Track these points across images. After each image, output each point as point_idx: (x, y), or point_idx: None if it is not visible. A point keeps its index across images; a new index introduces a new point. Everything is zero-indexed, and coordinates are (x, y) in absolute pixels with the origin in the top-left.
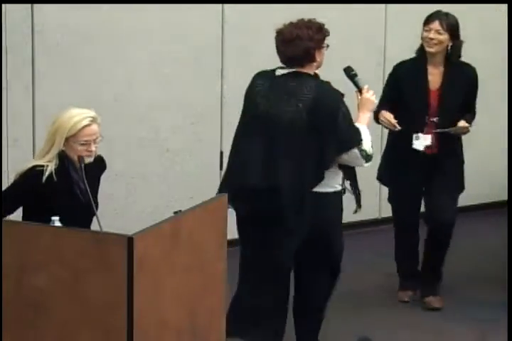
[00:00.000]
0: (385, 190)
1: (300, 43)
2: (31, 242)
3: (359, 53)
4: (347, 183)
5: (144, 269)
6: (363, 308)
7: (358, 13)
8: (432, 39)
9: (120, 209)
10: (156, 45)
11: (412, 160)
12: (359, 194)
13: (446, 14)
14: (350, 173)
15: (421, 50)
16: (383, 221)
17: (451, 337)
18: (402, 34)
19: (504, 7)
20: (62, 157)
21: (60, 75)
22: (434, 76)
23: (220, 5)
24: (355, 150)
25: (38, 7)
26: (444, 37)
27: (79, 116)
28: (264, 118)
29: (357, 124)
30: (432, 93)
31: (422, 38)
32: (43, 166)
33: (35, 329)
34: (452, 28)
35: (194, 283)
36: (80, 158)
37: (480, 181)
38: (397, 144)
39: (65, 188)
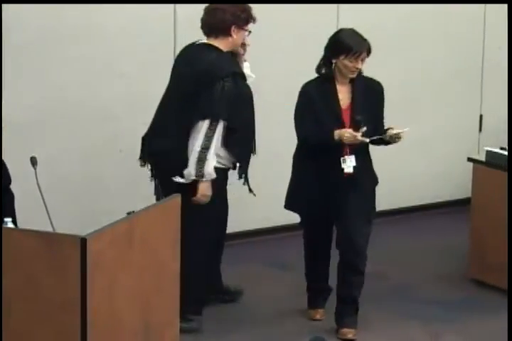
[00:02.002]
0: None
1: (219, 14)
2: None
3: (313, 54)
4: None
5: (98, 269)
6: None
7: (310, 14)
8: (358, 69)
9: (73, 209)
10: (111, 45)
11: (329, 184)
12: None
13: (363, 38)
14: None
15: (327, 69)
16: None
17: (405, 336)
18: None
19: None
20: None
21: (20, 76)
22: (343, 94)
23: (172, 5)
24: (205, 122)
25: None
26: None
27: None
28: (169, 84)
29: None
30: (343, 111)
31: (345, 67)
32: None
33: None
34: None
35: (148, 282)
36: None
37: (440, 180)
38: (315, 169)
39: None
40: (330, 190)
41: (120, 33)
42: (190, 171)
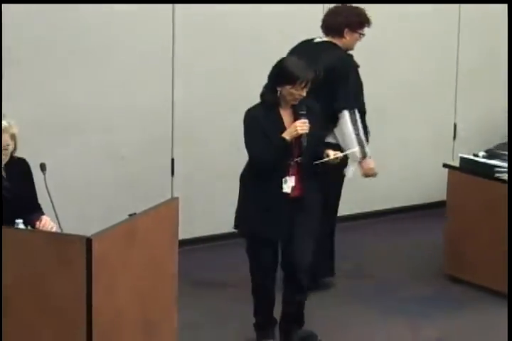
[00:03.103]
0: None
1: (335, 16)
2: None
3: None
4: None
5: (102, 267)
6: None
7: (296, 22)
8: (302, 96)
9: (80, 211)
10: (111, 58)
11: (280, 206)
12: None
13: (308, 66)
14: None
15: (272, 96)
16: None
17: (385, 330)
18: None
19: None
20: None
21: (23, 88)
22: (286, 117)
23: (171, 19)
24: (346, 112)
25: None
26: None
27: None
28: None
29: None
30: None
31: (291, 94)
32: None
33: (2, 323)
34: None
35: (148, 279)
36: None
37: (418, 184)
38: (265, 190)
39: None
40: (280, 211)
41: (120, 46)
42: (356, 154)
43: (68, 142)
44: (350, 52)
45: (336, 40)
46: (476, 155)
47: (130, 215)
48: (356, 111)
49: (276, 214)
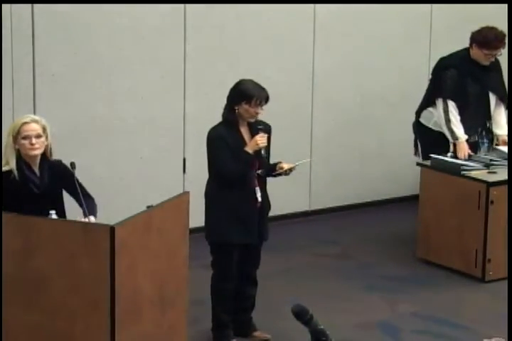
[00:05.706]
0: (316, 183)
1: (476, 32)
2: (33, 231)
3: (291, 77)
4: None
5: (124, 251)
6: (295, 282)
7: (288, 43)
8: (258, 113)
9: (105, 203)
10: (130, 75)
11: (254, 214)
12: None
13: (263, 87)
14: None
15: (231, 115)
16: (312, 213)
17: (367, 304)
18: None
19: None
20: (19, 159)
21: (56, 99)
22: (245, 133)
23: (183, 41)
24: (440, 100)
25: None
26: None
27: (20, 117)
28: None
29: None
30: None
31: (247, 112)
32: (8, 171)
33: (37, 300)
34: None
35: (163, 261)
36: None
37: (395, 181)
38: (239, 200)
39: (21, 183)
40: (254, 219)
41: (138, 65)
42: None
43: (96, 145)
44: None
45: (470, 48)
46: (444, 156)
47: (148, 207)
48: (449, 101)
49: (252, 222)
